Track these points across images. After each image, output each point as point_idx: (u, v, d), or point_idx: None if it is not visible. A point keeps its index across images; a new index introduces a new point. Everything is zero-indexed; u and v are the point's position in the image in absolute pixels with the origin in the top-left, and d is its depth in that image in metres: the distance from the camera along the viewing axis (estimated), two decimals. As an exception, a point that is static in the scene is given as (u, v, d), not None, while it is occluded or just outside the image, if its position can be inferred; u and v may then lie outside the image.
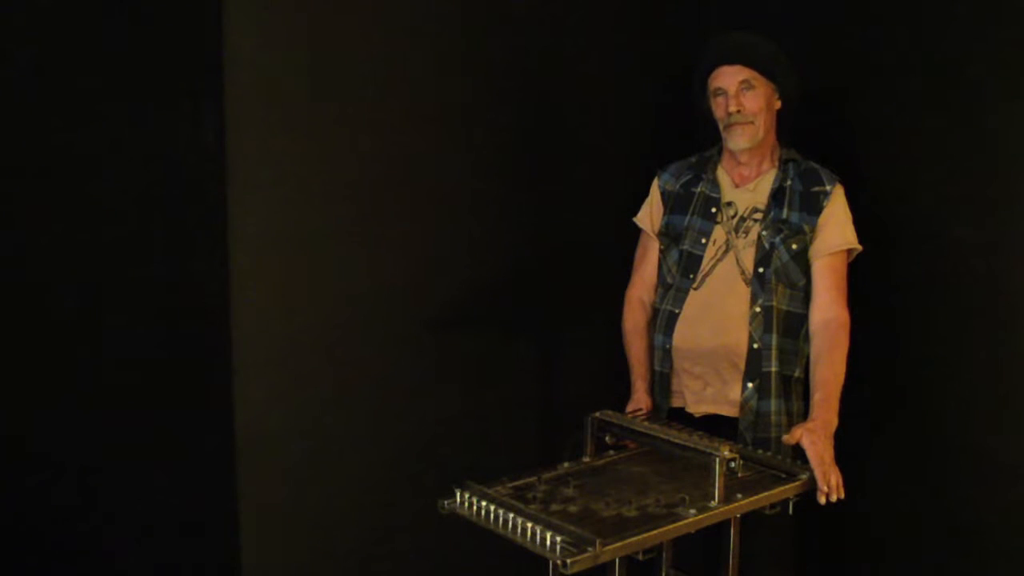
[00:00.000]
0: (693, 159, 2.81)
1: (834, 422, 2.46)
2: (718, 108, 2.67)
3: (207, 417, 2.66)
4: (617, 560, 2.05)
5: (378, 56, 2.70)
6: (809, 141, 2.98)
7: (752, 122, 2.64)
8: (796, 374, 2.66)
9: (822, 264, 2.63)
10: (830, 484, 2.31)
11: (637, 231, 2.87)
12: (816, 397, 2.52)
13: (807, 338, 2.64)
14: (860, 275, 2.73)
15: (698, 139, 2.90)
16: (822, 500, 2.30)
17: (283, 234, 2.61)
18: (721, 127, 2.68)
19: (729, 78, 2.62)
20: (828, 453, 2.37)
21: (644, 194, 2.86)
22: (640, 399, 2.71)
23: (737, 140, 2.66)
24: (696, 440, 2.26)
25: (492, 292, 2.98)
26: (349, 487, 2.77)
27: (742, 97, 2.62)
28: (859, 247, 2.66)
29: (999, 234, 2.67)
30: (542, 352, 3.10)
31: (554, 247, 3.08)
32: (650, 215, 2.82)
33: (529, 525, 1.98)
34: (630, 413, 2.60)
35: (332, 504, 2.74)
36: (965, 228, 2.73)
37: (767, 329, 2.61)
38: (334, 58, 2.63)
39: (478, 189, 2.92)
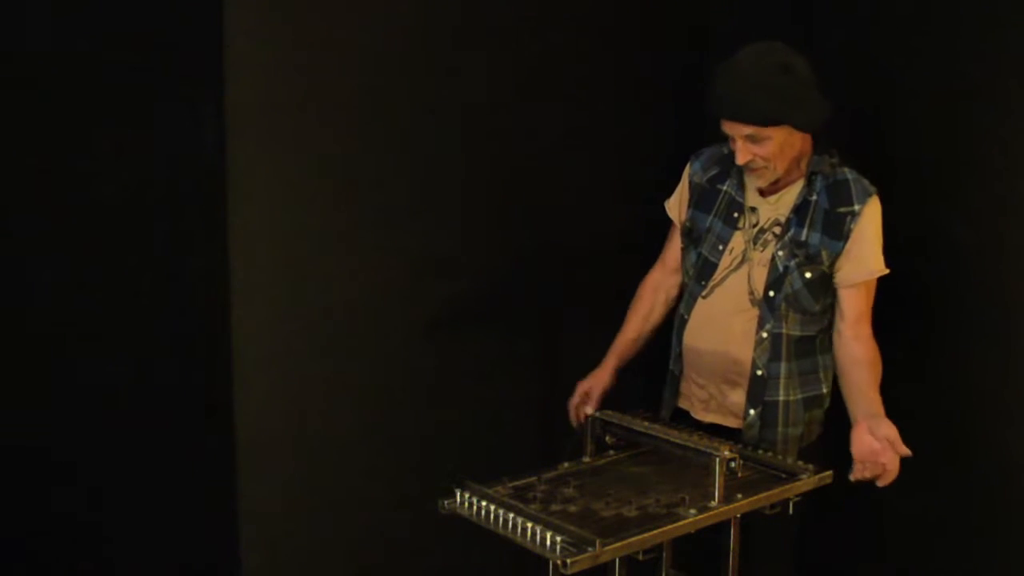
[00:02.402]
0: (726, 150, 2.59)
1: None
2: (731, 143, 2.48)
3: (207, 417, 2.66)
4: (617, 560, 2.05)
5: (378, 56, 2.70)
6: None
7: (766, 166, 2.46)
8: (824, 391, 2.59)
9: (847, 293, 2.51)
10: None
11: (638, 230, 2.86)
12: (866, 400, 2.49)
13: (824, 349, 2.56)
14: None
15: (703, 137, 2.86)
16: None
17: (283, 234, 2.60)
18: None
19: (733, 130, 2.43)
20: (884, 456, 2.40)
21: (645, 194, 2.84)
22: (599, 377, 2.70)
23: (753, 181, 2.53)
24: (696, 440, 2.26)
25: (492, 292, 2.98)
26: (349, 487, 2.77)
27: (751, 147, 2.43)
28: (886, 271, 2.51)
29: (1000, 235, 2.67)
30: (542, 352, 3.10)
31: (554, 247, 3.08)
32: (679, 203, 2.70)
33: (529, 525, 1.98)
34: (577, 399, 2.67)
35: (332, 504, 2.74)
36: (966, 228, 2.73)
37: (774, 357, 2.51)
38: (334, 59, 2.63)
39: (478, 189, 2.92)
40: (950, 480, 2.81)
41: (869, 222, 2.49)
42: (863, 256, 2.49)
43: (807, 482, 2.28)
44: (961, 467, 2.78)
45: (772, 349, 2.52)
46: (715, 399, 2.62)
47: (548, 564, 2.04)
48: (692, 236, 2.64)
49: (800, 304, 2.51)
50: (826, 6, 3.00)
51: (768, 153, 2.43)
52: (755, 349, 2.52)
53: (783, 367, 2.52)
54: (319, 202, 2.65)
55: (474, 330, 2.95)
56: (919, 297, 2.83)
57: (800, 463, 2.34)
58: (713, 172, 2.63)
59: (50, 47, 2.79)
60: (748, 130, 2.40)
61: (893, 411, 2.90)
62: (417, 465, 2.83)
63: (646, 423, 2.40)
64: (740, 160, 2.44)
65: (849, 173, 2.52)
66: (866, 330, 2.52)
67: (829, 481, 2.31)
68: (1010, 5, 2.59)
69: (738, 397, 2.58)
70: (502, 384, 3.02)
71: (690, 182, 2.68)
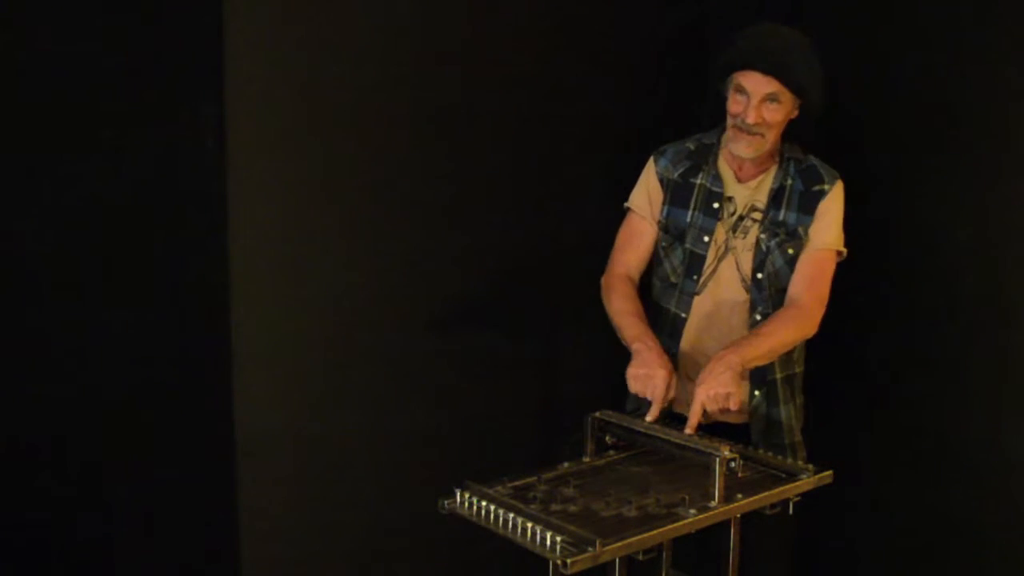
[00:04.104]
0: (692, 145, 2.67)
1: (741, 362, 2.40)
2: (734, 104, 2.50)
3: (207, 417, 2.66)
4: (617, 560, 2.05)
5: (378, 56, 2.70)
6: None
7: (763, 134, 2.49)
8: (797, 371, 2.65)
9: (804, 257, 2.56)
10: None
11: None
12: (744, 338, 2.48)
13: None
14: (859, 275, 2.74)
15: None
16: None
17: (283, 234, 2.61)
18: (729, 122, 2.54)
19: (757, 85, 2.44)
20: (716, 387, 2.35)
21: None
22: (662, 357, 2.43)
23: (742, 149, 2.53)
24: (696, 440, 2.26)
25: (492, 292, 2.98)
26: (348, 487, 2.77)
27: (763, 109, 2.46)
28: (843, 250, 2.57)
29: (999, 235, 2.67)
30: (542, 352, 3.10)
31: (554, 246, 3.08)
32: (648, 200, 2.67)
33: (529, 525, 1.98)
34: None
35: (332, 504, 2.74)
36: (965, 228, 2.73)
37: None
38: (333, 60, 2.63)
39: (478, 189, 2.92)
40: (948, 480, 2.81)
41: (835, 200, 2.58)
42: (822, 229, 2.57)
43: (807, 482, 2.28)
44: (961, 468, 2.78)
45: None
46: None
47: (548, 564, 2.04)
48: (673, 233, 2.64)
49: (780, 281, 2.58)
50: (822, 5, 3.00)
51: (773, 120, 2.48)
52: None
53: None
54: (319, 202, 2.65)
55: (474, 330, 2.95)
56: (917, 297, 2.83)
57: (800, 463, 2.34)
58: (684, 167, 2.65)
59: (50, 47, 2.79)
60: (774, 87, 2.44)
61: (891, 412, 2.91)
62: (417, 465, 2.83)
63: (646, 423, 2.39)
64: (752, 118, 2.46)
65: (814, 159, 2.63)
66: (809, 301, 2.53)
67: (829, 481, 2.31)
68: (1009, 1, 2.60)
69: (743, 388, 2.59)
70: (502, 384, 3.02)
71: (660, 178, 2.67)
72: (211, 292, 2.56)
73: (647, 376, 2.41)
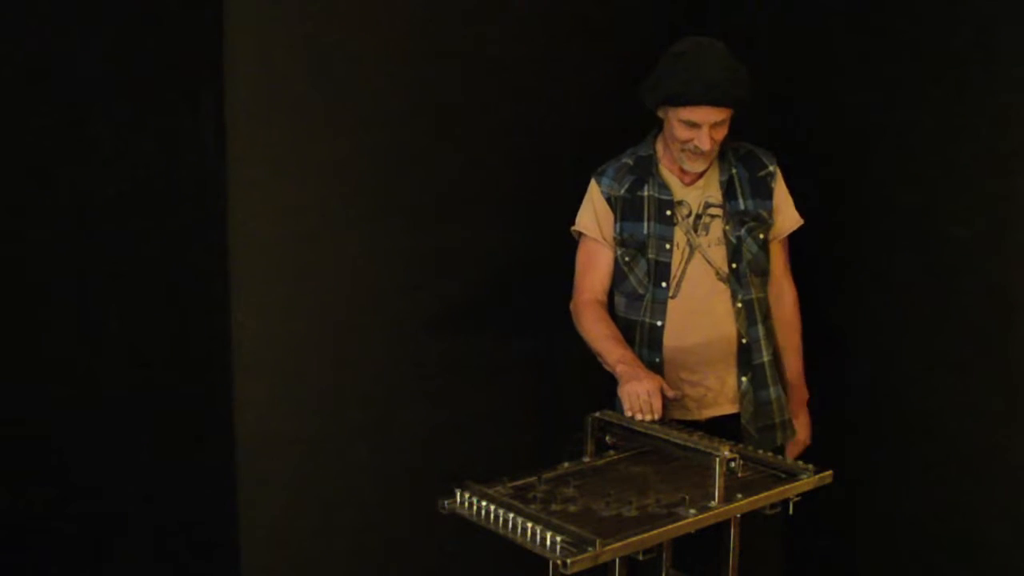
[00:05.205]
0: (629, 160, 2.70)
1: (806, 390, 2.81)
2: (684, 132, 2.52)
3: (207, 417, 2.66)
4: (617, 560, 2.05)
5: (377, 56, 2.70)
6: (807, 140, 2.98)
7: (713, 149, 2.55)
8: (775, 349, 2.74)
9: (779, 246, 2.72)
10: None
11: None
12: (792, 374, 2.77)
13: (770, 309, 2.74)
14: (860, 275, 2.74)
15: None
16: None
17: (283, 234, 2.61)
18: (678, 147, 2.57)
19: (707, 116, 2.49)
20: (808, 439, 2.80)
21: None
22: (654, 377, 2.48)
23: (698, 166, 2.60)
24: (696, 440, 2.26)
25: (492, 292, 2.98)
26: (349, 487, 2.77)
27: (714, 132, 2.51)
28: (801, 220, 2.72)
29: (998, 234, 2.67)
30: (542, 352, 3.10)
31: (554, 246, 3.08)
32: (597, 222, 2.69)
33: (529, 525, 1.98)
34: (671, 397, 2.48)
35: (332, 504, 2.74)
36: (964, 227, 2.73)
37: (752, 322, 2.63)
38: (333, 58, 2.63)
39: (478, 189, 2.92)
40: (948, 480, 2.81)
41: (781, 181, 2.69)
42: (788, 208, 2.71)
43: (807, 482, 2.28)
44: (962, 469, 2.78)
45: (748, 315, 2.63)
46: (712, 391, 2.65)
47: (548, 564, 2.04)
48: (633, 246, 2.65)
49: (759, 266, 2.65)
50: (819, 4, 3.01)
51: (721, 136, 2.57)
52: (736, 320, 2.61)
53: (760, 329, 2.64)
54: (319, 202, 2.65)
55: (474, 330, 2.95)
56: (915, 296, 2.83)
57: (800, 463, 2.34)
58: (629, 182, 2.68)
59: (50, 47, 2.79)
60: (723, 115, 2.51)
61: (892, 413, 2.91)
62: (417, 465, 2.83)
63: (646, 423, 2.39)
64: (707, 146, 2.52)
65: (747, 144, 2.70)
66: (791, 283, 2.78)
67: (829, 481, 2.31)
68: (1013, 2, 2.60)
69: (735, 377, 2.65)
70: (502, 384, 3.02)
71: (607, 198, 2.68)
72: (211, 292, 2.56)
73: (638, 392, 2.42)
